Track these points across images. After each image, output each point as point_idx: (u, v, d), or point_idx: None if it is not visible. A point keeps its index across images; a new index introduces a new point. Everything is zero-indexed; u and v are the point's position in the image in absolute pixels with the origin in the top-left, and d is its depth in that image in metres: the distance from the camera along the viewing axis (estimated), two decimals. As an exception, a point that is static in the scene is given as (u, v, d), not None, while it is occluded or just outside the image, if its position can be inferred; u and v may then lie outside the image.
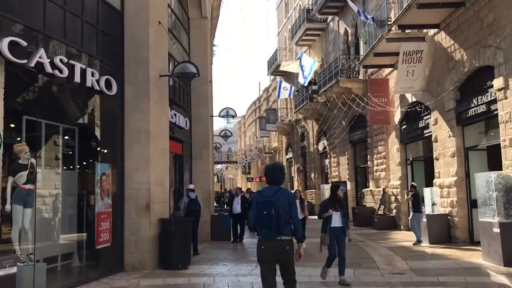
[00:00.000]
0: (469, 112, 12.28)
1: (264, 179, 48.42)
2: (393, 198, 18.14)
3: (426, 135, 15.33)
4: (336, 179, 24.63)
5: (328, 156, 26.75)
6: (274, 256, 5.10)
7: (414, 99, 15.67)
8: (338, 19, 24.91)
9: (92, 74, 8.37)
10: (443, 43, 13.55)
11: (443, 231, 13.19)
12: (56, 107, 8.97)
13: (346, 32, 23.96)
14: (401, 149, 17.55)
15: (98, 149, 9.56)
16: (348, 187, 22.98)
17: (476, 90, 11.98)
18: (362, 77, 21.33)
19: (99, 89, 8.55)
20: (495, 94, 10.86)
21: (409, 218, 13.96)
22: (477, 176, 10.27)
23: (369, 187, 20.96)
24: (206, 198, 14.72)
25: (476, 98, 11.91)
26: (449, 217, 13.23)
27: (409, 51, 14.26)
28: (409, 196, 13.87)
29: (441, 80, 13.61)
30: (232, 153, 68.41)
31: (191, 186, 12.12)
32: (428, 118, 14.96)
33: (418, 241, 13.02)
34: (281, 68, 32.24)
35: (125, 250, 9.38)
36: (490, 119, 11.72)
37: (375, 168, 20.13)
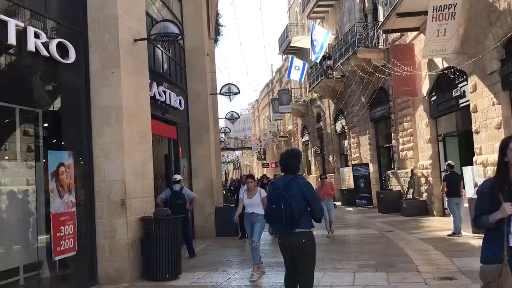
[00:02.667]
0: (520, 73, 10.06)
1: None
2: (423, 180, 15.98)
3: (462, 105, 13.11)
4: (356, 161, 22.53)
5: (347, 136, 24.60)
6: (289, 252, 4.82)
7: (445, 65, 13.43)
8: (353, -16, 22.55)
9: (37, 36, 6.43)
10: (482, -8, 11.27)
11: (489, 217, 11.03)
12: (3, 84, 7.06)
13: (362, -2, 21.61)
14: (431, 124, 15.34)
15: (57, 134, 7.61)
16: (371, 169, 20.88)
17: (529, 44, 9.75)
18: (382, 46, 19.05)
19: (49, 55, 6.62)
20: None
21: (446, 204, 11.76)
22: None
23: (394, 169, 18.80)
24: (208, 187, 12.80)
25: (529, 54, 9.69)
26: (496, 201, 11.05)
27: (440, 6, 11.97)
28: (442, 181, 11.66)
29: (480, 38, 11.36)
30: (246, 139, 66.46)
31: (176, 177, 10.19)
32: (465, 85, 12.73)
33: (454, 233, 10.89)
34: (292, 44, 29.94)
35: (98, 258, 7.51)
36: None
37: (400, 147, 17.95)
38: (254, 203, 8.00)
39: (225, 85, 14.03)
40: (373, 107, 20.61)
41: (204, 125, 13.01)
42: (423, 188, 16.08)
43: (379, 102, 19.83)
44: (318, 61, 23.46)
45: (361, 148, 22.52)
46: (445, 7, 11.93)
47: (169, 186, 10.39)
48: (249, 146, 59.02)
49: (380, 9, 18.98)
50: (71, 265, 7.29)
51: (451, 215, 11.36)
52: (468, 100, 12.42)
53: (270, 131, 46.16)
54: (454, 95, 13.46)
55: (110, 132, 7.57)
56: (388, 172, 19.32)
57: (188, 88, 12.90)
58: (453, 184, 11.21)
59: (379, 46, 19.14)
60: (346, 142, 25.24)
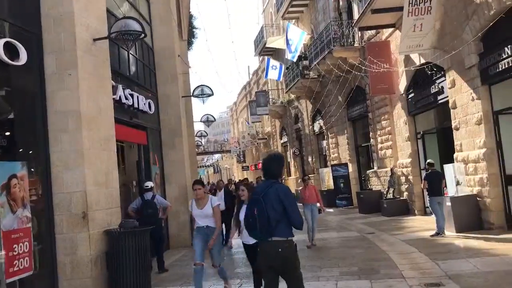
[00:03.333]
0: (499, 66, 9.76)
1: (260, 166, 46.39)
2: (403, 178, 15.69)
3: (440, 101, 12.82)
4: (335, 162, 22.20)
5: (326, 137, 24.28)
6: (268, 262, 4.41)
7: (422, 60, 13.15)
8: (327, -17, 22.25)
9: (-21, 35, 5.83)
10: (458, -15, 11.00)
11: (472, 215, 10.75)
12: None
13: (337, -4, 21.32)
14: (409, 121, 15.05)
15: (8, 142, 6.97)
16: (350, 169, 20.56)
17: (508, 36, 9.45)
18: (358, 44, 18.75)
19: (-4, 56, 6.01)
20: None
21: (428, 204, 11.39)
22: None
23: (373, 168, 18.51)
24: (182, 194, 12.23)
25: (508, 47, 9.39)
26: (478, 198, 10.77)
27: (416, 0, 11.67)
28: (423, 180, 11.29)
29: (458, 32, 11.08)
30: (225, 142, 65.86)
31: (147, 184, 9.63)
32: (443, 81, 12.45)
33: (438, 233, 10.54)
34: (268, 45, 29.54)
35: (59, 277, 6.90)
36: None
37: (379, 146, 17.66)
38: (205, 214, 6.83)
39: (198, 86, 13.48)
40: (350, 106, 20.32)
41: (176, 129, 12.44)
42: (403, 187, 15.79)
43: (356, 101, 19.54)
44: (294, 60, 23.07)
45: (340, 148, 22.22)
46: (421, 1, 11.60)
47: (141, 194, 9.83)
48: (228, 149, 58.50)
49: (355, 7, 18.70)
50: (29, 286, 6.66)
51: (433, 214, 11.04)
52: (447, 96, 12.14)
53: (248, 134, 45.74)
54: (432, 92, 13.18)
55: (68, 139, 6.97)
56: (368, 171, 19.03)
57: (159, 91, 12.32)
58: (435, 182, 10.88)
59: (355, 45, 18.84)
60: (324, 142, 24.92)
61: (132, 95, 9.99)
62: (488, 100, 10.45)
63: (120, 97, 9.29)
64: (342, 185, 20.48)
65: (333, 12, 21.64)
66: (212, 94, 12.95)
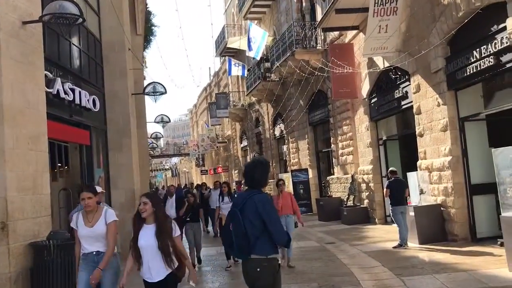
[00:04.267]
0: (467, 71, 9.35)
1: (219, 170, 45.25)
2: (364, 185, 15.22)
3: (404, 107, 12.40)
4: (295, 167, 21.63)
5: (286, 141, 23.70)
6: (249, 283, 3.95)
7: (386, 64, 12.70)
8: (290, -16, 21.72)
9: None
10: (425, -15, 10.58)
11: (436, 226, 10.30)
12: None
13: (300, -3, 20.80)
14: (371, 127, 14.60)
15: None
16: (310, 175, 20.00)
17: (476, 40, 9.04)
18: (320, 47, 18.26)
19: None
20: (508, 39, 7.93)
21: (391, 214, 10.86)
22: (496, 152, 7.28)
23: (334, 174, 18.01)
24: (129, 200, 11.25)
25: (476, 50, 8.97)
26: (442, 208, 10.33)
27: None
28: (386, 189, 10.71)
29: (424, 34, 10.65)
30: (185, 145, 64.52)
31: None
32: (407, 86, 12.03)
33: (400, 245, 10.03)
34: (229, 45, 28.75)
35: (-29, 299, 5.87)
36: (497, 76, 8.84)
37: (340, 151, 17.17)
38: (96, 234, 4.91)
39: (150, 84, 12.53)
40: (311, 111, 19.81)
41: (125, 129, 11.45)
42: (364, 195, 15.32)
43: (318, 106, 19.05)
44: (258, 58, 22.28)
45: (300, 153, 21.67)
46: (387, 1, 11.13)
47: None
48: (187, 153, 57.22)
49: (318, 8, 18.21)
50: None
51: (395, 223, 10.53)
52: (411, 101, 11.70)
53: (208, 137, 44.69)
54: (396, 96, 12.74)
55: (-14, 136, 5.97)
56: (328, 178, 18.53)
57: (106, 87, 11.31)
58: (397, 191, 10.35)
59: (318, 47, 18.34)
60: (285, 147, 24.35)
61: (73, 90, 8.99)
62: (454, 106, 10.04)
63: (58, 91, 8.30)
64: (301, 191, 19.89)
65: (296, 13, 21.13)
66: (165, 92, 12.06)
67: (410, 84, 11.71)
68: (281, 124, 24.35)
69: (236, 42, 26.96)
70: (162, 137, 24.07)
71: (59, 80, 8.35)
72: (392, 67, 12.40)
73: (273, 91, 23.19)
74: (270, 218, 3.87)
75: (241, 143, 35.49)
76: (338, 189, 17.31)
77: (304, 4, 20.27)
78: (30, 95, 6.59)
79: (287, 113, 21.97)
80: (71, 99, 8.86)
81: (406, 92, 12.11)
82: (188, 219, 9.83)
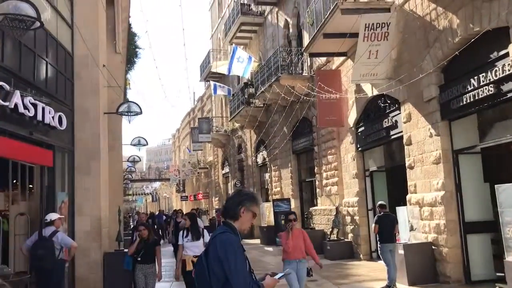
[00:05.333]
0: (463, 100, 8.76)
1: (199, 197, 44.15)
2: (348, 218, 14.45)
3: (393, 137, 11.78)
4: (277, 196, 20.81)
5: (269, 169, 22.92)
6: None
7: (375, 92, 12.13)
8: (277, 10, 21.34)
9: None
10: (418, 10, 10.08)
11: (427, 266, 9.53)
12: None
13: (286, 24, 20.40)
14: (357, 157, 13.95)
15: None
16: (293, 205, 19.18)
17: (473, 67, 8.48)
18: (306, 73, 17.73)
19: None
20: (510, 66, 7.37)
21: (379, 251, 10.05)
22: (500, 189, 6.60)
23: (317, 205, 17.22)
24: (95, 228, 10.25)
25: (474, 78, 8.40)
26: (434, 247, 9.59)
27: (373, 24, 10.67)
28: (374, 224, 9.92)
29: (416, 61, 10.10)
30: (166, 169, 63.33)
31: (48, 217, 7.71)
32: (397, 114, 11.43)
33: (389, 286, 9.22)
34: (213, 69, 28.20)
35: None
36: (495, 106, 8.26)
37: (324, 182, 16.43)
38: None
39: (124, 103, 11.72)
40: (295, 138, 19.14)
41: (94, 150, 10.54)
42: (349, 228, 14.54)
43: (302, 133, 18.40)
44: (246, 76, 21.49)
45: (283, 182, 20.89)
46: (377, 25, 10.65)
47: (40, 230, 7.88)
48: (168, 178, 56.06)
49: (305, 35, 17.76)
50: None
51: (382, 260, 9.74)
52: (401, 131, 11.09)
53: (189, 162, 43.73)
54: (384, 126, 12.13)
55: None
56: (311, 209, 17.72)
57: (75, 104, 10.45)
58: (387, 227, 9.61)
59: (304, 74, 17.81)
60: (267, 175, 23.57)
61: (35, 105, 8.11)
62: (448, 137, 9.42)
63: (16, 105, 7.43)
64: (283, 221, 19.00)
65: (282, 39, 20.71)
66: (141, 113, 11.24)
67: (400, 113, 11.12)
68: (263, 151, 23.63)
69: (222, 66, 26.38)
70: (140, 160, 23.17)
71: (18, 92, 7.49)
72: (381, 95, 11.84)
73: (257, 117, 22.54)
74: (230, 266, 3.01)
75: (222, 170, 34.63)
76: (321, 221, 16.50)
77: (291, 30, 19.86)
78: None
79: (270, 140, 21.30)
80: (32, 115, 7.97)
81: (396, 121, 11.50)
82: (139, 259, 7.66)
